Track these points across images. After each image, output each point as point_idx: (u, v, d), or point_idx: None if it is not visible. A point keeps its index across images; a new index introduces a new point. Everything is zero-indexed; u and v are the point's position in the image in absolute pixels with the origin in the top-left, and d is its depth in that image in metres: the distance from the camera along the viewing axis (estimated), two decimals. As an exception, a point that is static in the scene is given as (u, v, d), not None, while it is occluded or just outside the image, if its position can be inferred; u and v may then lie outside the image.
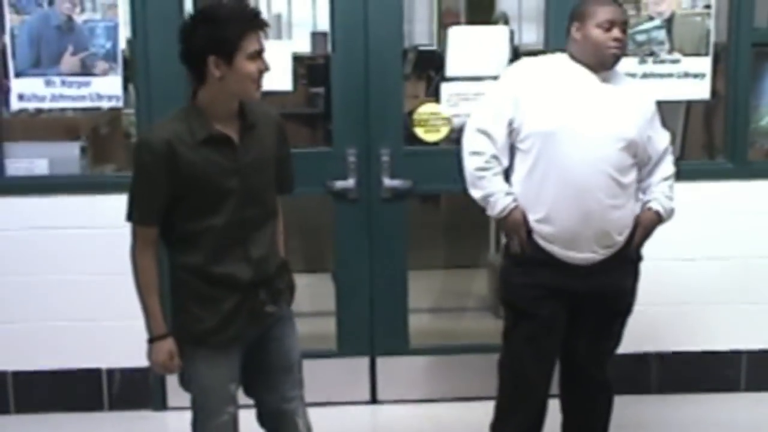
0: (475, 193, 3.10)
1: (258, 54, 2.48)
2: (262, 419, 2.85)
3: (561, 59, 3.08)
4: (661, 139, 3.14)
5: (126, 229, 3.81)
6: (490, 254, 5.33)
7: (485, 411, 3.94)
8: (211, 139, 2.51)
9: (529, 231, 3.03)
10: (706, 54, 3.91)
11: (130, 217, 2.59)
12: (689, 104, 4.49)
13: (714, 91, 3.97)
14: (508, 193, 3.04)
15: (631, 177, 3.03)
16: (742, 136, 4.01)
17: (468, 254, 5.94)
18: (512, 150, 3.08)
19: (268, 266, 2.65)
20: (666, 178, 3.12)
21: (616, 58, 3.00)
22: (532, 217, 3.02)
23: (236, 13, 2.47)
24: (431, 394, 4.13)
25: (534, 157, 2.99)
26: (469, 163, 3.09)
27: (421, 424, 3.95)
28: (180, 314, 2.63)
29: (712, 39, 3.91)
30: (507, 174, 3.10)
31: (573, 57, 3.05)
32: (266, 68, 2.51)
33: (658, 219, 3.09)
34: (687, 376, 4.15)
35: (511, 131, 3.04)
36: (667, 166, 3.14)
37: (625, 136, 2.98)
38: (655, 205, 3.08)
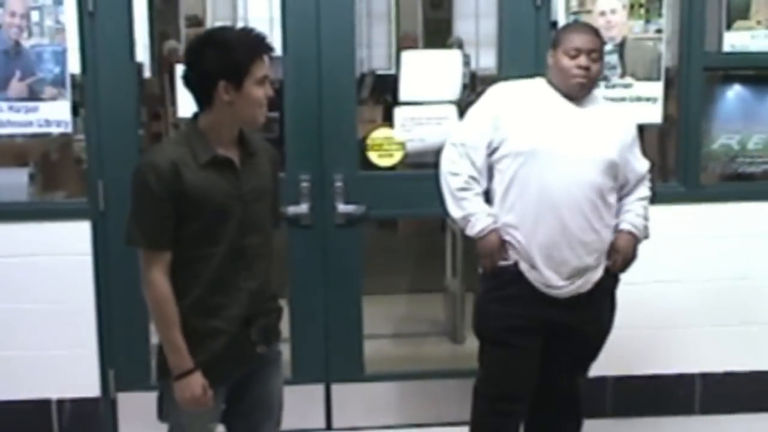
0: (456, 213, 3.09)
1: (265, 79, 2.47)
2: None
3: (539, 84, 3.11)
4: (641, 164, 3.15)
5: (77, 257, 3.84)
6: (447, 279, 5.31)
7: (441, 438, 3.95)
8: (215, 161, 2.47)
9: (505, 257, 3.03)
10: (658, 78, 3.94)
11: (130, 241, 2.48)
12: (642, 128, 4.49)
13: (666, 115, 4.00)
14: (489, 215, 3.03)
15: (611, 199, 3.04)
16: (695, 159, 4.04)
17: (425, 279, 5.92)
18: (489, 171, 3.07)
19: (262, 299, 2.60)
20: (641, 199, 3.13)
21: (581, 86, 3.01)
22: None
23: (245, 38, 2.45)
24: (387, 420, 4.08)
25: (510, 177, 2.99)
26: (450, 183, 3.08)
27: (376, 451, 3.91)
28: None
29: (664, 63, 3.94)
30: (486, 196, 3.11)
31: (550, 82, 3.07)
32: (271, 94, 2.50)
33: (634, 239, 3.09)
34: (641, 399, 4.15)
35: (491, 152, 3.03)
36: (643, 189, 3.16)
37: (606, 158, 2.99)
38: (625, 226, 3.08)
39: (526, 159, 2.96)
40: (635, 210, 3.11)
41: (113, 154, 3.75)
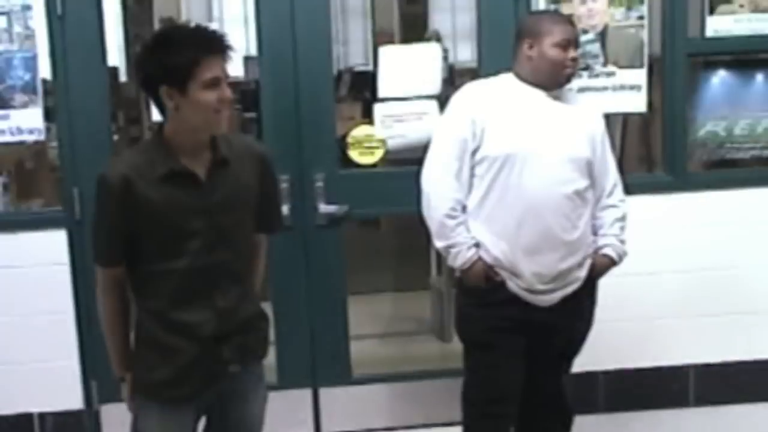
0: (438, 243, 3.01)
1: (216, 82, 2.27)
2: None
3: (508, 80, 3.03)
4: (611, 166, 3.10)
5: (55, 266, 3.76)
6: (432, 277, 5.26)
7: (432, 439, 3.90)
8: (172, 174, 2.31)
9: (490, 277, 2.96)
10: (641, 66, 3.88)
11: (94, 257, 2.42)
12: (626, 117, 4.47)
13: (650, 103, 3.95)
14: (470, 247, 2.95)
15: (589, 196, 2.99)
16: (680, 148, 3.99)
17: (410, 277, 5.85)
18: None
19: (237, 318, 2.44)
20: (618, 219, 3.08)
21: (570, 78, 2.99)
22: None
23: (190, 37, 2.27)
24: (376, 423, 4.02)
25: (488, 181, 2.93)
26: (435, 211, 2.97)
27: (367, 455, 3.85)
28: (136, 361, 2.45)
29: (647, 51, 3.88)
30: None
31: (520, 77, 3.00)
32: (228, 97, 2.30)
33: (612, 263, 3.07)
34: (634, 393, 4.10)
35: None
36: (619, 206, 3.10)
37: (581, 156, 2.96)
38: (609, 251, 3.05)
39: (503, 164, 2.89)
40: (617, 234, 3.08)
41: (87, 161, 3.64)
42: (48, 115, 3.73)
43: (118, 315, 2.42)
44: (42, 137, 3.75)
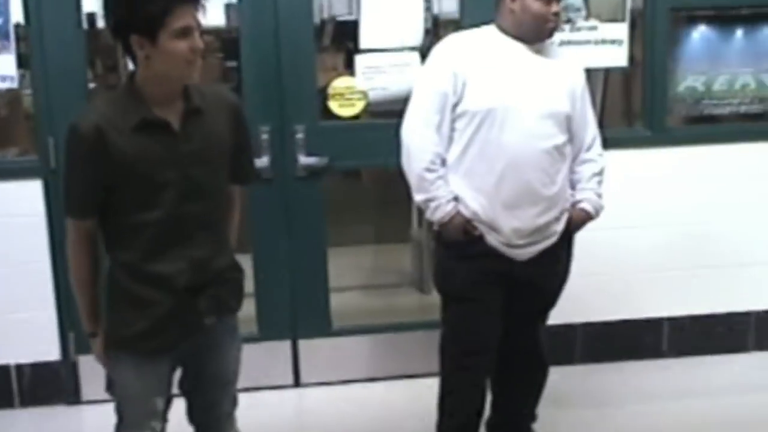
0: (417, 197, 2.99)
1: (188, 31, 2.23)
2: (192, 418, 2.65)
3: (490, 33, 2.99)
4: (591, 121, 3.09)
5: (30, 217, 3.72)
6: (413, 229, 5.26)
7: (410, 390, 3.95)
8: (144, 124, 2.27)
9: (468, 231, 2.96)
10: (623, 20, 3.87)
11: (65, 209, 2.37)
12: (607, 72, 4.45)
13: (632, 58, 3.94)
14: (449, 201, 2.94)
15: (567, 151, 2.99)
16: (660, 103, 4.00)
17: (391, 229, 5.85)
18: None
19: (211, 269, 2.41)
20: (596, 173, 3.08)
21: (552, 32, 2.95)
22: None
23: None
24: (356, 374, 4.05)
25: (468, 136, 2.91)
26: (415, 164, 2.95)
27: (345, 406, 3.87)
28: (110, 315, 2.42)
29: (629, 4, 3.87)
30: None
31: (503, 29, 2.97)
32: (199, 47, 2.25)
33: (589, 217, 3.07)
34: (610, 344, 4.15)
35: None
36: (597, 160, 3.09)
37: (560, 111, 2.94)
38: (586, 206, 3.05)
39: (483, 119, 2.87)
40: (595, 188, 3.08)
41: (63, 110, 3.57)
42: (21, 62, 3.66)
43: (89, 270, 2.39)
44: (15, 85, 3.69)
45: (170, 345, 2.42)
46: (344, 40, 5.88)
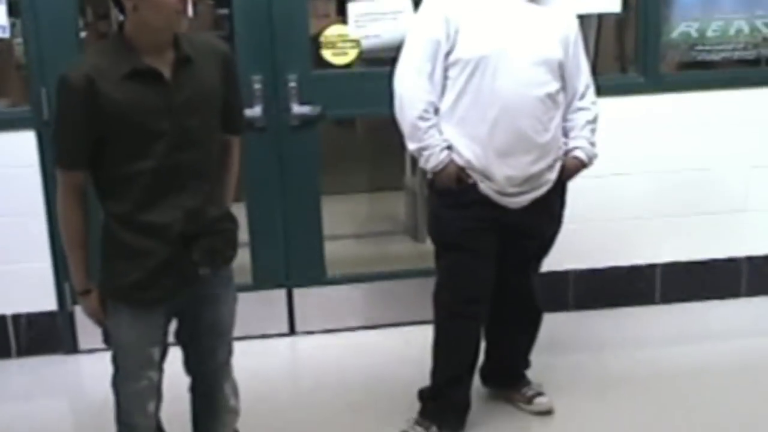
0: (411, 145, 3.00)
1: None
2: (188, 368, 2.68)
3: None
4: (584, 68, 3.08)
5: (24, 168, 3.72)
6: (407, 177, 5.27)
7: (404, 337, 3.99)
8: (136, 73, 2.26)
9: (461, 179, 2.96)
10: (617, -36, 3.84)
11: (55, 160, 2.37)
12: (600, 18, 4.42)
13: (625, 3, 3.91)
14: (442, 149, 2.94)
15: (561, 99, 2.99)
16: (654, 49, 3.98)
17: (384, 177, 5.85)
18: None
19: (204, 218, 2.41)
20: (589, 121, 3.08)
21: None
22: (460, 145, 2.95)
23: None
24: (350, 323, 4.09)
25: (461, 84, 2.90)
26: (407, 112, 2.95)
27: (341, 353, 3.91)
28: (105, 266, 2.43)
29: (623, -52, 3.84)
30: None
31: None
32: None
33: (582, 165, 3.08)
34: (603, 291, 4.19)
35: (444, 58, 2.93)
36: (591, 108, 3.09)
37: (553, 58, 2.93)
38: (579, 154, 3.06)
39: (476, 67, 2.87)
40: (588, 137, 3.08)
41: (55, 59, 3.55)
42: (12, 11, 3.62)
43: (79, 226, 2.39)
44: (6, 34, 3.66)
45: (166, 296, 2.43)
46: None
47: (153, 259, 2.37)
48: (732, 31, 4.05)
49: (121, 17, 2.33)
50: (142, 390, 2.49)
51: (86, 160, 2.32)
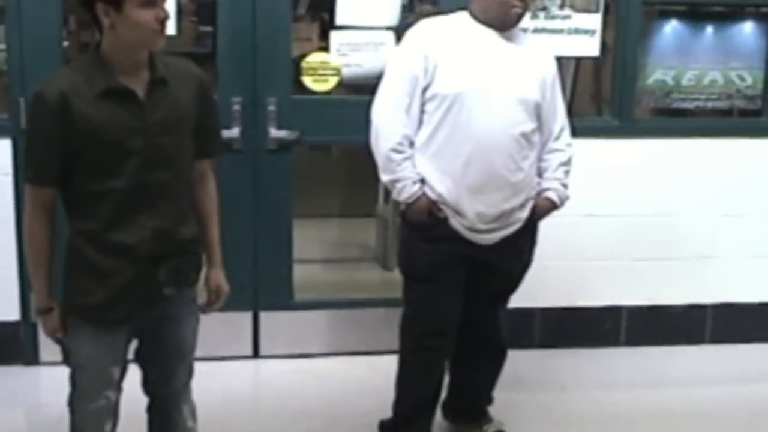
0: (384, 177, 3.02)
1: (153, 0, 2.23)
2: (147, 389, 2.65)
3: (463, 19, 3.01)
4: (560, 110, 3.12)
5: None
6: (379, 205, 5.28)
7: (368, 366, 3.97)
8: (110, 92, 2.26)
9: (433, 213, 2.98)
10: (597, 10, 3.90)
11: (25, 176, 2.35)
12: (578, 60, 4.49)
13: (604, 44, 3.97)
14: (415, 182, 2.96)
15: (535, 139, 3.01)
16: (629, 94, 4.04)
17: (357, 203, 5.87)
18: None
19: (172, 239, 2.41)
20: (563, 163, 3.10)
21: (519, 17, 2.96)
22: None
23: None
24: (315, 349, 4.08)
25: (438, 119, 2.93)
26: (382, 144, 2.97)
27: (303, 379, 3.90)
28: (69, 284, 2.41)
29: (603, -5, 3.90)
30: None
31: (474, 15, 2.98)
32: (165, 16, 2.26)
33: (553, 207, 3.11)
34: (568, 330, 4.22)
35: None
36: (565, 150, 3.11)
37: (530, 98, 2.96)
38: (551, 195, 3.09)
39: (452, 102, 2.90)
40: (561, 178, 3.10)
41: (36, 69, 3.55)
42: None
43: (44, 244, 2.36)
44: (-11, 42, 3.65)
45: (129, 315, 2.42)
46: (320, 10, 5.85)
47: (119, 278, 2.36)
48: (706, 81, 4.13)
49: (98, 35, 2.34)
50: (99, 410, 2.47)
51: (57, 177, 2.31)
